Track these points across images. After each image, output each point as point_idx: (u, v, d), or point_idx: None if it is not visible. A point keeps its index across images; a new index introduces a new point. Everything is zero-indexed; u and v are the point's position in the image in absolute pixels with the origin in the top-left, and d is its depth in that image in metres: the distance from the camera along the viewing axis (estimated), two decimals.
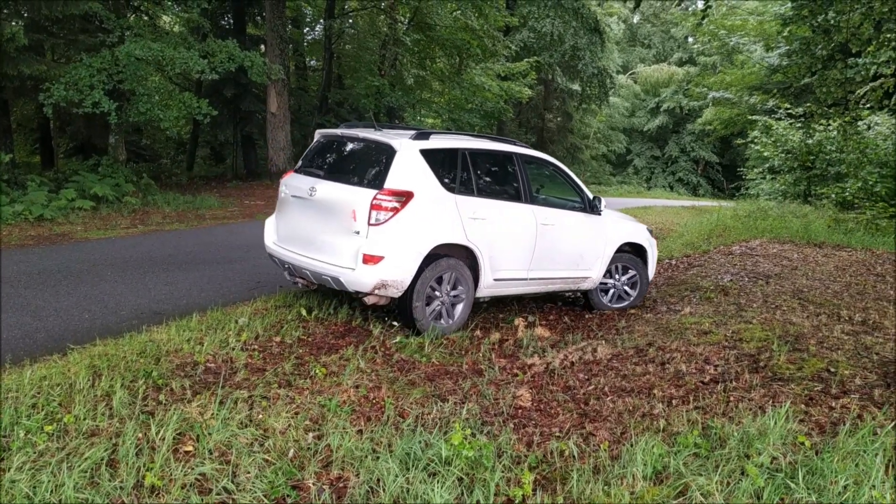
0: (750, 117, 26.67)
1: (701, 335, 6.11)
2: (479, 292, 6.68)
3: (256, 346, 5.55)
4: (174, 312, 6.49)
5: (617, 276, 8.04)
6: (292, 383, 4.81)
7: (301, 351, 5.56)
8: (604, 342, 6.22)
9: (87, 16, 15.46)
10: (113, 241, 10.60)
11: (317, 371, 5.06)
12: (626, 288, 8.09)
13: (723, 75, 36.95)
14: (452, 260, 6.39)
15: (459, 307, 6.58)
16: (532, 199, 7.08)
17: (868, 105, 19.31)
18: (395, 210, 5.89)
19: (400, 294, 6.10)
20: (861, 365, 5.14)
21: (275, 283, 8.04)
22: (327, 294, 7.34)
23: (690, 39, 50.34)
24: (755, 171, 25.84)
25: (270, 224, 7.05)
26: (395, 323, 6.50)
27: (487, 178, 7.03)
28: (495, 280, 6.73)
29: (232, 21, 26.04)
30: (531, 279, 7.11)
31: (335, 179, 6.39)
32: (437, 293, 6.40)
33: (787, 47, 24.84)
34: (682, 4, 50.81)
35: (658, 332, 6.49)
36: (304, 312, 6.55)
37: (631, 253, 8.09)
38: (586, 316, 7.66)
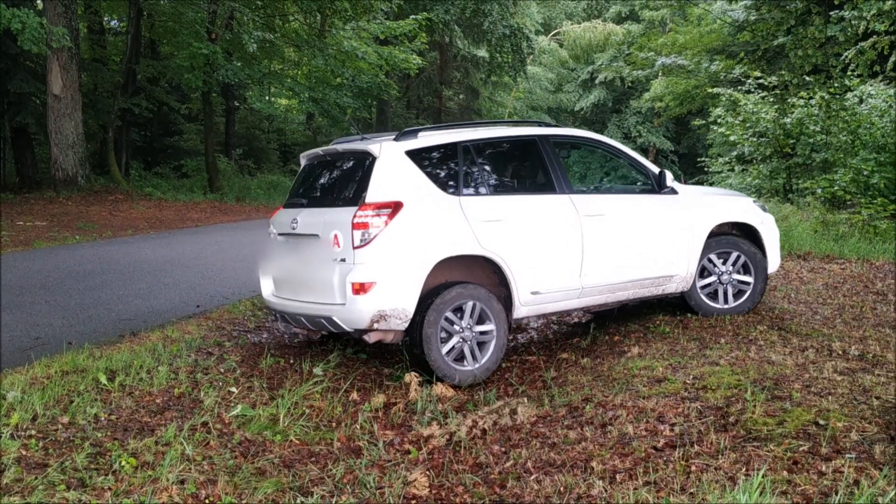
0: (711, 90, 27.64)
1: (653, 384, 6.27)
2: (516, 312, 7.32)
3: (34, 432, 5.34)
4: None
5: (724, 268, 8.48)
6: (87, 483, 4.66)
7: (100, 435, 5.39)
8: (526, 400, 6.31)
9: None
10: None
11: (123, 463, 4.92)
12: (736, 277, 8.50)
13: (674, 35, 38.33)
14: (472, 287, 7.07)
15: (491, 346, 7.16)
16: (568, 188, 7.72)
17: (857, 72, 20.37)
18: (382, 226, 6.60)
19: (405, 325, 6.76)
20: (858, 414, 5.38)
21: (60, 337, 7.77)
22: (138, 353, 7.16)
23: None
24: (720, 162, 26.84)
25: (262, 272, 7.95)
26: (232, 389, 6.40)
27: (501, 172, 7.92)
28: (534, 294, 7.34)
29: None
30: (588, 288, 7.69)
31: (316, 205, 7.48)
32: (456, 327, 6.99)
33: None
34: None
35: (597, 381, 6.63)
36: (103, 379, 6.36)
37: (736, 236, 8.60)
38: (502, 365, 7.75)
